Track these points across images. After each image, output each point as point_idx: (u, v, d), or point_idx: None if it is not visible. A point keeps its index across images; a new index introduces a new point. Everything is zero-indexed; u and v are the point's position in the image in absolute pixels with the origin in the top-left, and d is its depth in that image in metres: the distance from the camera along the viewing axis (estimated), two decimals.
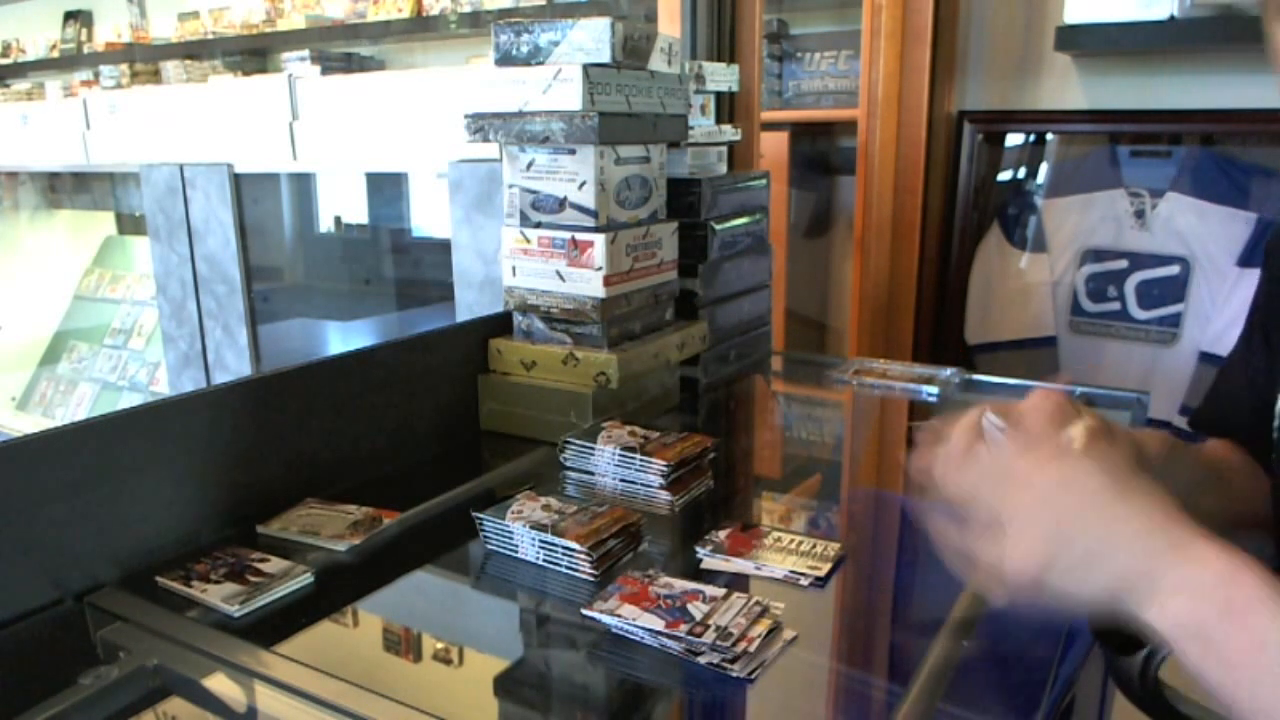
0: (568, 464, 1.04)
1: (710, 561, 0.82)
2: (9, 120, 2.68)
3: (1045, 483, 0.59)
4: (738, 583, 0.78)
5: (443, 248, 1.80)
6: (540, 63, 1.08)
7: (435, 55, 3.32)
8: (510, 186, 1.15)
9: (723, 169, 1.43)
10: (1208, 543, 0.55)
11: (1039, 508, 0.58)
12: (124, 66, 3.95)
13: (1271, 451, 0.77)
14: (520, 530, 0.82)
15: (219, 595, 0.75)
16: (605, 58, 1.06)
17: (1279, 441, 0.75)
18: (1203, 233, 1.77)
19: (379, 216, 2.34)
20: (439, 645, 0.77)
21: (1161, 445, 0.83)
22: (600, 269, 1.10)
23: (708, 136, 1.37)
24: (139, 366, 2.98)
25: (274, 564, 0.81)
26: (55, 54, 4.34)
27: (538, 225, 1.14)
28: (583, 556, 0.79)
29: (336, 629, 0.77)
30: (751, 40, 1.54)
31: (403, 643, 0.77)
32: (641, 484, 0.99)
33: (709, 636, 0.67)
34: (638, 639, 0.69)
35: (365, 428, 1.03)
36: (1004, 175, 2.02)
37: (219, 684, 0.65)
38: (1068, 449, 0.60)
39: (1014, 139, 2.00)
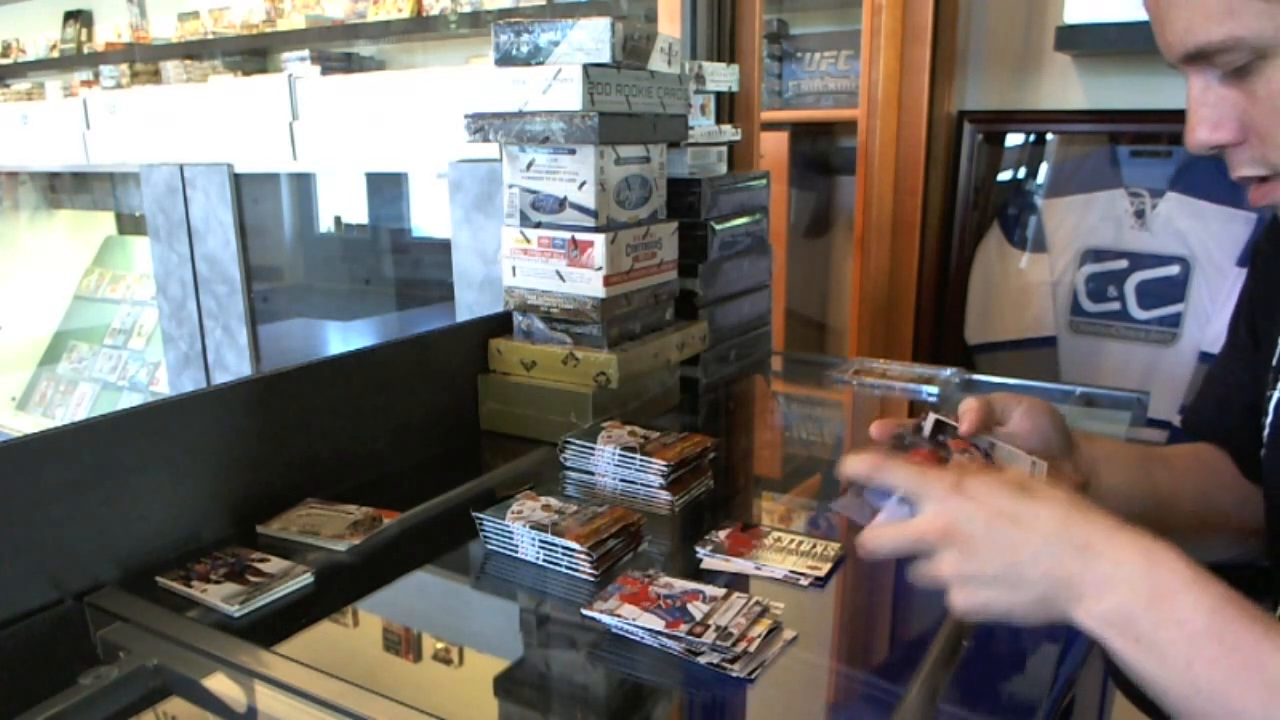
0: (568, 464, 1.04)
1: (710, 561, 0.82)
2: (9, 120, 2.68)
3: (954, 524, 0.59)
4: (738, 583, 0.78)
5: (443, 248, 1.80)
6: (540, 63, 1.08)
7: (435, 55, 3.31)
8: (510, 186, 1.15)
9: (723, 169, 1.43)
10: (1120, 534, 0.54)
11: (961, 550, 0.58)
12: (124, 66, 3.95)
13: (1261, 449, 0.77)
14: (520, 530, 0.82)
15: (219, 595, 0.75)
16: (605, 58, 1.06)
17: (1270, 440, 0.75)
18: (1203, 233, 1.77)
19: (379, 216, 2.34)
20: (439, 645, 0.77)
21: (1132, 455, 0.84)
22: (600, 269, 1.10)
23: (708, 136, 1.37)
24: (139, 366, 2.97)
25: (274, 564, 0.81)
26: (55, 54, 4.34)
27: (538, 225, 1.14)
28: (583, 556, 0.79)
29: (336, 629, 0.77)
30: (751, 40, 1.54)
31: (403, 643, 0.77)
32: (641, 484, 0.99)
33: (709, 636, 0.67)
34: (638, 639, 0.69)
35: (365, 428, 1.03)
36: (1004, 175, 2.02)
37: (219, 684, 0.65)
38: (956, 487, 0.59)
39: (1014, 139, 2.00)
